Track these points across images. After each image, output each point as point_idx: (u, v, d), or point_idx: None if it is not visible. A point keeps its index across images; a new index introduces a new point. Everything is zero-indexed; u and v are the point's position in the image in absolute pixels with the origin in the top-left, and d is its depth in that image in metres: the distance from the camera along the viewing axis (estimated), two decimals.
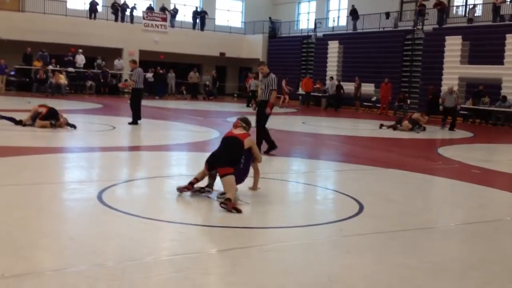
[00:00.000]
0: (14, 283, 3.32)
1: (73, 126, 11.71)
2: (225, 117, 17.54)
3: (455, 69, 21.52)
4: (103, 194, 5.76)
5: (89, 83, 26.74)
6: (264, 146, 9.48)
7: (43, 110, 11.72)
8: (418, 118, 15.79)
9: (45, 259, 3.85)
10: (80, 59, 26.97)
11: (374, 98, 24.06)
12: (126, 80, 14.00)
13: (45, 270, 3.61)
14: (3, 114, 11.89)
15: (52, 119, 11.58)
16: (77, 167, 7.80)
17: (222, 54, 32.08)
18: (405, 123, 15.54)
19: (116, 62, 27.98)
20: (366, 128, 17.11)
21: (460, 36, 21.59)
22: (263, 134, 9.49)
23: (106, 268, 3.71)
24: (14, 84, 25.48)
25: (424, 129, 15.73)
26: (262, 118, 9.48)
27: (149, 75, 26.56)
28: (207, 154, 9.66)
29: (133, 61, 14.03)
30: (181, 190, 5.92)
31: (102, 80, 27.07)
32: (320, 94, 26.16)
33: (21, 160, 7.75)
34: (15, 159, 7.76)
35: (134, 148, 10.48)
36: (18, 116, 11.94)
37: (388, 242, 4.73)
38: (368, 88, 24.44)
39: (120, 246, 4.24)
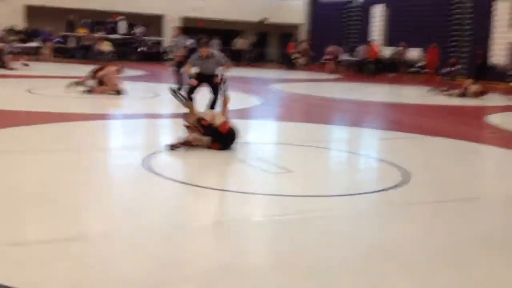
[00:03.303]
0: (64, 246, 3.41)
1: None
2: (267, 84, 17.44)
3: (505, 33, 20.65)
4: (148, 160, 5.83)
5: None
6: None
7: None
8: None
9: (93, 224, 3.94)
10: (123, 27, 27.17)
11: (421, 63, 23.43)
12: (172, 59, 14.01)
13: (93, 234, 3.69)
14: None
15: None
16: (123, 134, 7.94)
17: (263, 20, 31.70)
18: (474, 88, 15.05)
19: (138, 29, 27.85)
20: (413, 94, 16.71)
21: None
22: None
23: (151, 232, 3.77)
24: (60, 51, 25.99)
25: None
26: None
27: (191, 41, 26.54)
28: (249, 121, 9.73)
29: (178, 28, 14.04)
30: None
31: (136, 46, 27.10)
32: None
33: (67, 126, 7.91)
34: (61, 125, 7.93)
35: (177, 115, 10.55)
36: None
37: (434, 212, 4.62)
38: (415, 53, 23.77)
39: (164, 211, 4.31)
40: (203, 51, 8.27)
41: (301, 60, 26.93)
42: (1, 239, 3.46)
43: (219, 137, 6.37)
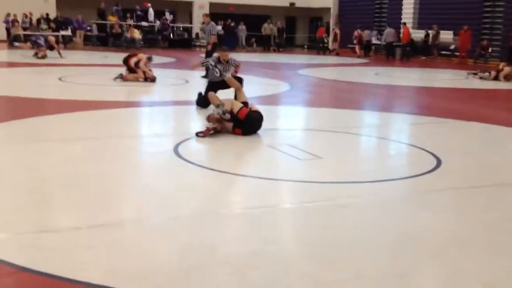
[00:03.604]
0: (98, 233, 3.49)
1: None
2: (296, 69, 17.37)
3: None
4: (179, 147, 5.90)
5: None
6: None
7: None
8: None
9: (125, 211, 4.03)
10: (152, 14, 27.33)
11: (452, 47, 22.96)
12: (205, 46, 13.89)
13: (125, 221, 3.77)
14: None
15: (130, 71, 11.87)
16: (153, 121, 8.04)
17: (292, 4, 31.47)
18: (506, 70, 14.68)
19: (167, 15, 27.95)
20: (444, 78, 16.42)
21: None
22: None
23: (182, 219, 3.83)
24: (91, 39, 26.31)
25: None
26: None
27: (219, 28, 26.55)
28: (278, 107, 9.73)
29: (207, 15, 14.01)
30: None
31: (165, 33, 27.24)
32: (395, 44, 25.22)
33: (98, 114, 8.04)
34: (93, 113, 8.06)
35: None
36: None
37: (466, 198, 4.57)
38: (446, 36, 23.29)
39: (195, 198, 4.36)
40: (224, 55, 8.32)
41: (333, 45, 26.73)
42: (36, 226, 3.56)
43: (238, 123, 6.50)
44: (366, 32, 25.79)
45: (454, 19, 22.76)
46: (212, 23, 13.71)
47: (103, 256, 3.17)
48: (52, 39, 18.31)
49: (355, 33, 25.66)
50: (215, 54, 8.75)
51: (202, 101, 8.55)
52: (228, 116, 6.50)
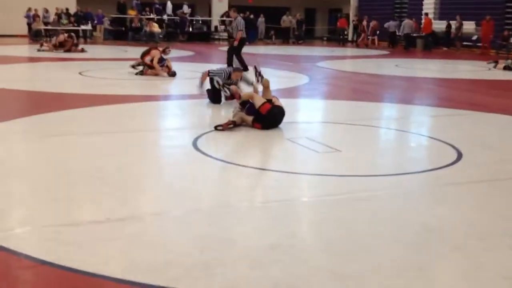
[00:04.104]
0: (118, 226, 3.53)
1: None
2: (315, 62, 17.28)
3: None
4: (198, 141, 5.92)
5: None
6: None
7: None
8: None
9: (146, 204, 4.06)
10: (169, 7, 27.38)
11: (475, 37, 22.61)
12: (230, 38, 13.71)
13: (146, 214, 3.81)
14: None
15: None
16: (172, 115, 8.08)
17: None
18: None
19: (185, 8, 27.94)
20: (466, 69, 16.18)
21: None
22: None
23: (201, 213, 3.85)
24: (105, 33, 26.43)
25: None
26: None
27: None
28: (297, 100, 9.69)
29: (234, 10, 13.76)
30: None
31: (184, 27, 27.31)
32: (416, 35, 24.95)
33: (118, 108, 8.10)
34: (112, 107, 8.12)
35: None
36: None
37: (487, 192, 4.51)
38: (468, 26, 22.94)
39: (215, 192, 4.38)
40: (236, 75, 8.33)
41: (362, 36, 26.61)
42: (57, 220, 3.61)
43: (260, 117, 6.48)
44: (391, 23, 25.53)
45: (476, 9, 22.41)
46: (239, 18, 13.38)
47: (122, 249, 3.20)
48: (60, 37, 18.42)
49: (371, 24, 25.49)
50: (228, 69, 8.60)
51: (214, 98, 8.51)
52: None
